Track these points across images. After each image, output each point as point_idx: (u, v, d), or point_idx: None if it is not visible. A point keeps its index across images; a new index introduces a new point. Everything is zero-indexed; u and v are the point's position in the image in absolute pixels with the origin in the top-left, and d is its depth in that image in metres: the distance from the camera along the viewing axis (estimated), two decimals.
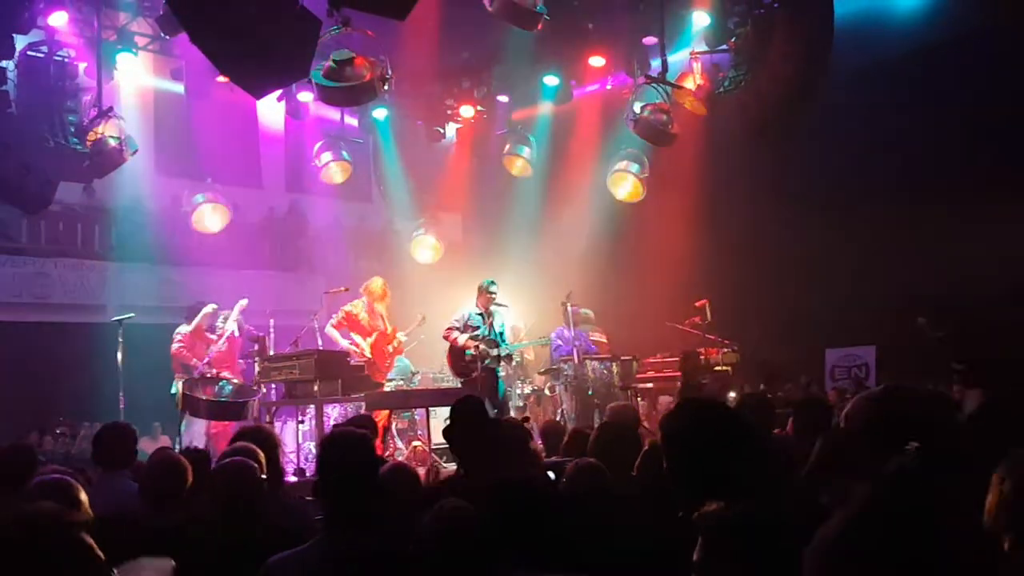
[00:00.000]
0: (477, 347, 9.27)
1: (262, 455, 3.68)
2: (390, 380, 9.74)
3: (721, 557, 1.91)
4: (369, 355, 9.46)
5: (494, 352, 9.40)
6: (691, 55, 10.73)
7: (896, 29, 11.18)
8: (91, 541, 1.74)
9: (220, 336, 9.68)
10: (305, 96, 11.36)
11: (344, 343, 9.47)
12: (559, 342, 10.85)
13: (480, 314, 9.52)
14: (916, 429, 2.35)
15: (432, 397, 8.94)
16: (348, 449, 2.80)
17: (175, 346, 9.68)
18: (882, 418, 2.52)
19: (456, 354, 9.49)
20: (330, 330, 9.57)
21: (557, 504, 2.74)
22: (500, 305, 9.65)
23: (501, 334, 9.58)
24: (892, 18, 11.27)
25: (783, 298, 11.50)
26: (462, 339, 9.38)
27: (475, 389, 8.49)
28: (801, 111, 9.99)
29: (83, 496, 2.87)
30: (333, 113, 12.31)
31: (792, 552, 1.81)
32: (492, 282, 9.60)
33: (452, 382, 9.98)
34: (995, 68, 10.46)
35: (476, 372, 9.20)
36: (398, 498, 3.28)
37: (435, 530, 2.50)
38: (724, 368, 10.37)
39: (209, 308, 9.77)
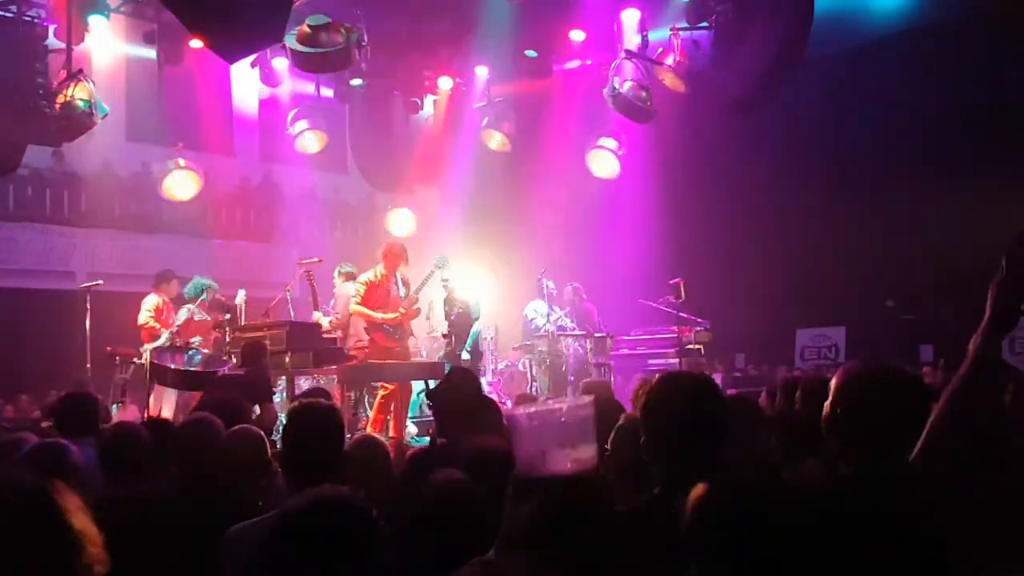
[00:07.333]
0: None
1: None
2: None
3: (701, 537, 1.88)
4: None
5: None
6: (672, 31, 10.67)
7: (876, 13, 11.20)
8: (70, 518, 1.63)
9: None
10: (280, 63, 11.17)
11: (377, 315, 8.80)
12: (534, 316, 10.85)
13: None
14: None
15: (407, 370, 8.85)
16: (313, 421, 2.75)
17: (144, 317, 9.52)
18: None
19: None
20: (357, 308, 8.90)
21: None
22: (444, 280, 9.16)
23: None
24: (873, 1, 11.29)
25: (756, 278, 11.56)
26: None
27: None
28: (779, 91, 10.00)
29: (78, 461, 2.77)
30: (308, 82, 12.11)
31: (773, 532, 1.79)
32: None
33: (428, 356, 9.94)
34: (973, 55, 10.52)
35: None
36: (365, 470, 3.24)
37: (433, 500, 2.42)
38: (696, 347, 10.44)
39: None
